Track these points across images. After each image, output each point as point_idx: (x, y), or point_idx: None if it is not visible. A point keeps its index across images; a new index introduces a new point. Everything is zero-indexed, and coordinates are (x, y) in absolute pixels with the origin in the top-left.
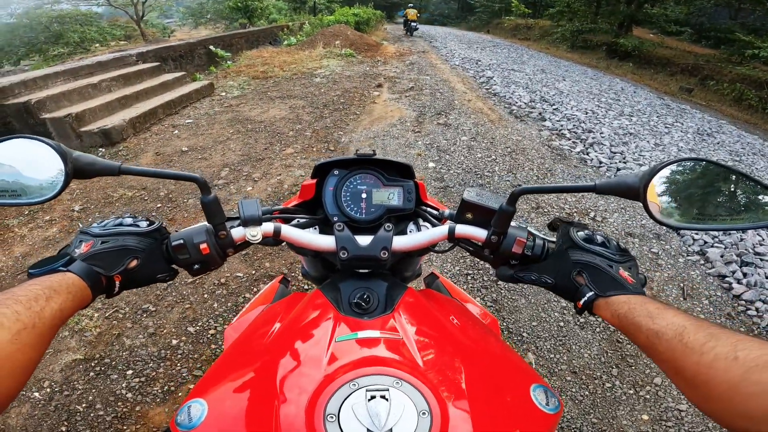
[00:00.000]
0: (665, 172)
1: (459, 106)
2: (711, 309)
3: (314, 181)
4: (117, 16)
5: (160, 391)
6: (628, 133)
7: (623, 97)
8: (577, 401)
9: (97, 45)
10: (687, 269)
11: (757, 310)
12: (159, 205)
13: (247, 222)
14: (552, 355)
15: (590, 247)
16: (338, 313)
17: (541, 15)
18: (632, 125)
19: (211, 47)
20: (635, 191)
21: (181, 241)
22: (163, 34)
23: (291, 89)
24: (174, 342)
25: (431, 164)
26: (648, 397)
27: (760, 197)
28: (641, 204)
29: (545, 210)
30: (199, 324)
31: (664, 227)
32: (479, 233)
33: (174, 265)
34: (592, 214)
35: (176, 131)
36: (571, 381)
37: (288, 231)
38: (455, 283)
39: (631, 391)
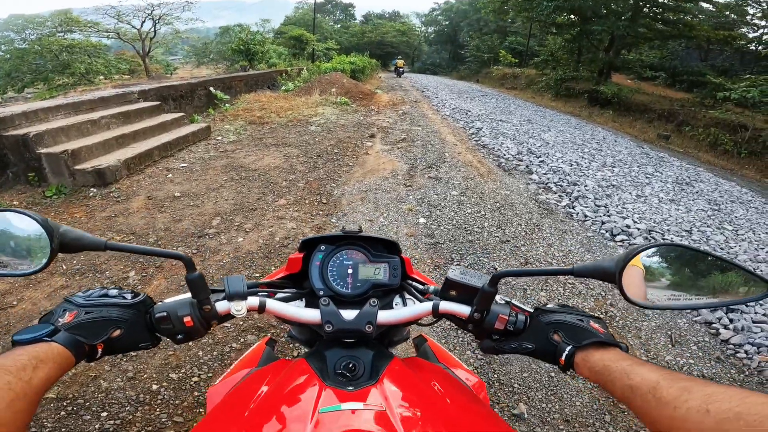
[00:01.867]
0: (640, 256)
1: (449, 158)
2: (700, 354)
3: (301, 255)
4: (124, 50)
5: None
6: (611, 185)
7: (605, 146)
8: None
9: (101, 77)
10: (674, 318)
11: (746, 352)
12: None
13: (232, 297)
14: (544, 405)
15: (558, 308)
16: (323, 383)
17: (527, 64)
18: (614, 176)
19: (211, 89)
20: (611, 275)
21: (165, 314)
22: (166, 70)
23: (286, 137)
24: (154, 387)
25: (422, 220)
26: None
27: (729, 277)
28: (617, 289)
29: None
30: (182, 371)
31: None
32: (463, 310)
33: (158, 333)
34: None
35: (170, 175)
36: (565, 429)
37: (273, 305)
38: (446, 336)
39: None
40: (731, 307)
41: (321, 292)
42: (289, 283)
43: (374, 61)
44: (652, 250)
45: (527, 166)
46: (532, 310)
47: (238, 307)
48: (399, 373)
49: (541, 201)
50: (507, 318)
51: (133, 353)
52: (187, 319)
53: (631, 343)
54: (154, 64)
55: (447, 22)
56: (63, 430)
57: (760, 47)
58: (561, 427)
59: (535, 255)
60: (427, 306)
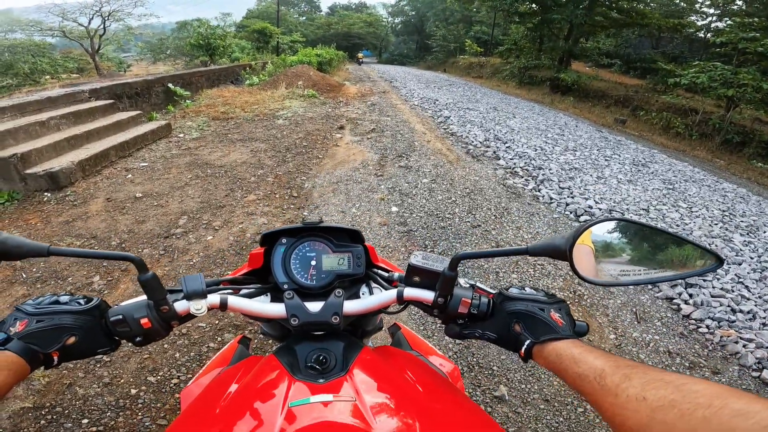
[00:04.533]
0: (589, 232)
1: (419, 147)
2: (664, 330)
3: (262, 249)
4: (71, 48)
5: None
6: (573, 167)
7: (567, 131)
8: (553, 428)
9: (47, 77)
10: (637, 294)
11: (707, 327)
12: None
13: (191, 296)
14: (523, 386)
15: (520, 294)
16: (292, 377)
17: (492, 53)
18: (576, 160)
19: (170, 85)
20: (562, 252)
21: (121, 317)
22: (118, 68)
23: (253, 131)
24: (133, 391)
25: (394, 208)
26: None
27: (676, 250)
28: (569, 265)
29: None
30: (161, 374)
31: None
32: (426, 295)
33: (117, 337)
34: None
35: (130, 175)
36: (545, 409)
37: (236, 301)
38: (424, 323)
39: None
40: (683, 280)
41: (285, 286)
42: (253, 279)
43: (341, 53)
44: (600, 225)
45: (494, 152)
46: (495, 293)
47: (198, 306)
48: (369, 362)
49: (508, 185)
50: (470, 301)
51: (105, 358)
52: (144, 321)
53: (599, 321)
54: (105, 62)
55: (413, 13)
56: None
57: (708, 34)
58: (541, 406)
59: (505, 238)
60: (392, 294)
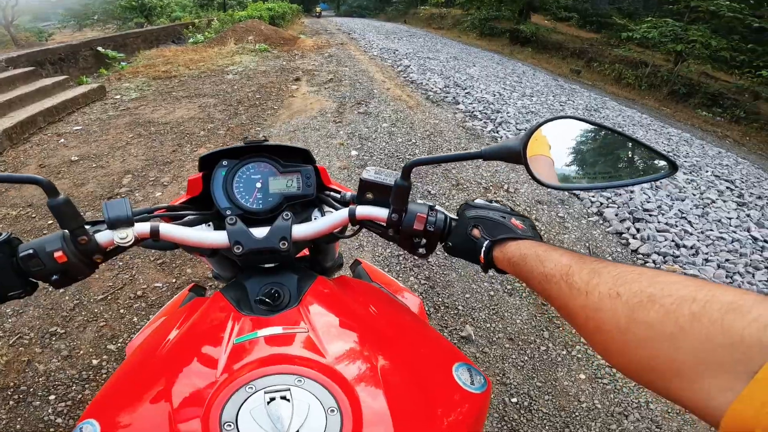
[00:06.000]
0: (543, 132)
1: (378, 94)
2: None
3: (200, 174)
4: None
5: None
6: (530, 111)
7: (525, 79)
8: (519, 367)
9: None
10: (590, 229)
11: (654, 262)
12: (50, 222)
13: (114, 224)
14: (488, 325)
15: (484, 203)
16: (238, 312)
17: (453, 4)
18: (533, 105)
19: (100, 48)
20: (516, 154)
21: (31, 251)
22: (39, 38)
23: (200, 88)
24: (95, 362)
25: (354, 152)
26: (580, 356)
27: (632, 153)
28: (524, 166)
29: (464, 186)
30: (120, 340)
31: (550, 189)
32: (380, 213)
33: (32, 278)
34: (506, 187)
35: (63, 140)
36: (510, 348)
37: (169, 229)
38: (388, 264)
39: (564, 352)
40: (635, 185)
41: (228, 212)
42: (193, 208)
43: (295, 6)
44: (554, 125)
45: (454, 98)
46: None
47: (123, 235)
48: (324, 293)
49: (468, 128)
50: (425, 216)
51: (60, 330)
52: (58, 254)
53: None
54: (22, 32)
55: None
56: (19, 420)
57: None
58: (506, 345)
59: (465, 176)
60: (344, 213)
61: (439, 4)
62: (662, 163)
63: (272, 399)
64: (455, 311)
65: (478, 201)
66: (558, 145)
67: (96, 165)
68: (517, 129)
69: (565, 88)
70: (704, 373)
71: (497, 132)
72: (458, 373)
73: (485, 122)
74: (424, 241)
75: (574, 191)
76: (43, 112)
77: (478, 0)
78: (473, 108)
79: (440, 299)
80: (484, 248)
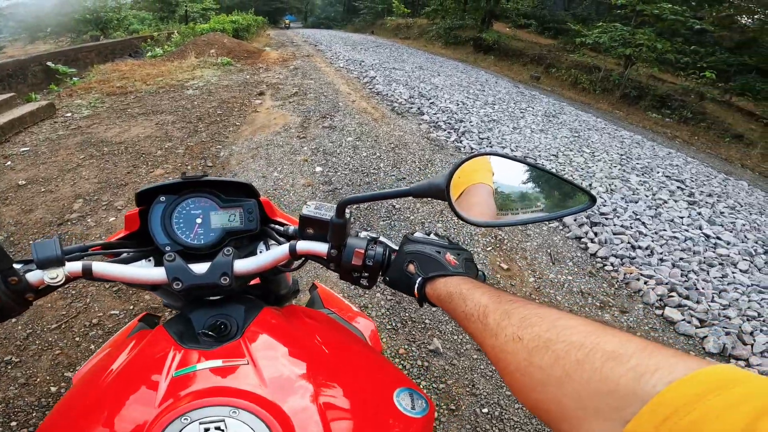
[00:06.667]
0: (488, 159)
1: (344, 107)
2: (576, 269)
3: (137, 210)
4: None
5: None
6: (492, 119)
7: (487, 87)
8: (488, 377)
9: None
10: (551, 236)
11: (612, 265)
12: None
13: (44, 264)
14: (455, 337)
15: (421, 237)
16: (179, 346)
17: (419, 14)
18: (495, 113)
19: (50, 63)
20: (441, 192)
21: None
22: None
23: (157, 104)
24: (53, 389)
25: (318, 168)
26: None
27: (555, 188)
28: (447, 204)
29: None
30: (77, 368)
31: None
32: (320, 248)
33: None
34: None
35: (9, 162)
36: (478, 358)
37: (103, 268)
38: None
39: None
40: (562, 219)
41: (167, 248)
42: (131, 244)
43: (260, 18)
44: (475, 161)
45: (419, 108)
46: (397, 248)
47: (53, 275)
48: (269, 323)
49: (432, 138)
50: (364, 252)
51: (14, 359)
52: None
53: (519, 264)
54: None
55: None
56: None
57: None
58: (474, 356)
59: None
60: (284, 248)
61: (406, 15)
62: (584, 196)
63: (207, 430)
64: (422, 325)
65: (417, 235)
66: (498, 179)
67: (45, 189)
68: (479, 138)
69: (526, 95)
70: (587, 418)
71: (461, 142)
72: (399, 399)
73: (449, 132)
74: (366, 273)
75: (502, 227)
76: None
77: (443, 9)
78: (437, 118)
79: (407, 314)
80: (417, 284)
